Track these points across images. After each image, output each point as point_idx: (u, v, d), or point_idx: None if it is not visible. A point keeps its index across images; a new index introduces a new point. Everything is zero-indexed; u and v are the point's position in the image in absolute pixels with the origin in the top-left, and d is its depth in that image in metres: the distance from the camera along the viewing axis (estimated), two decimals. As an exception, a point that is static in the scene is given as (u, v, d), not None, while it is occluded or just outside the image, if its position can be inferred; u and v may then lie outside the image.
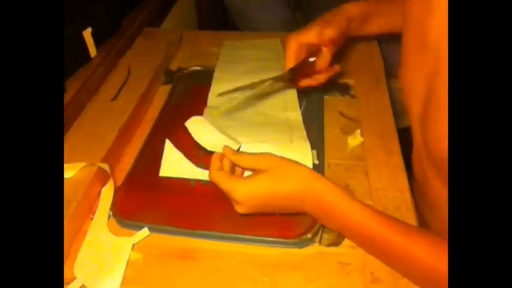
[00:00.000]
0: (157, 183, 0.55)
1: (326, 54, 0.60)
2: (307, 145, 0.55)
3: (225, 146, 0.50)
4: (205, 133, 0.56)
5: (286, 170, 0.45)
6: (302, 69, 0.61)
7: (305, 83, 0.63)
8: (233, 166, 0.50)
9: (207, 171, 0.52)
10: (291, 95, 0.67)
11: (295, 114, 0.64)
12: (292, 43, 0.60)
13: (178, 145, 0.58)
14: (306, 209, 0.46)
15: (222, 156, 0.49)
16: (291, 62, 0.60)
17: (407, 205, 0.51)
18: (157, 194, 0.53)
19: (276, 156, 0.47)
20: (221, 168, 0.48)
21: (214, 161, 0.49)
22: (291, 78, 0.61)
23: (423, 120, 0.46)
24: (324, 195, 0.44)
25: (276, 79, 0.59)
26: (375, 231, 0.43)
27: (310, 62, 0.61)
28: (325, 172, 0.56)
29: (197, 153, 0.58)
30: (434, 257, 0.40)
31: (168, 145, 0.58)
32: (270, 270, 0.45)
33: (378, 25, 0.67)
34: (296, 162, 0.46)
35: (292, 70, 0.60)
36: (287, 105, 0.66)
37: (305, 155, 0.53)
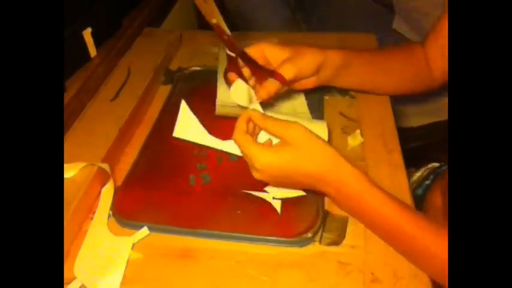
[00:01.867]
0: (157, 183, 0.55)
1: (270, 87, 0.53)
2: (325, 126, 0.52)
3: (253, 109, 0.49)
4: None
5: (312, 149, 0.45)
6: (249, 61, 0.56)
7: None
8: (256, 130, 0.50)
9: (219, 140, 0.54)
10: (299, 100, 0.66)
11: (304, 114, 0.63)
12: (256, 47, 0.56)
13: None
14: (324, 190, 0.47)
15: (248, 119, 0.48)
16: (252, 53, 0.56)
17: (407, 205, 0.51)
18: (157, 193, 0.53)
19: (305, 129, 0.46)
20: (246, 132, 0.48)
21: (241, 123, 0.48)
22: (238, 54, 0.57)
23: None
24: (344, 180, 0.45)
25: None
26: (394, 223, 0.44)
27: (257, 65, 0.56)
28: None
29: (197, 155, 0.59)
30: (439, 248, 0.41)
31: (184, 106, 0.57)
32: (269, 270, 0.45)
33: (356, 77, 0.62)
34: (323, 141, 0.46)
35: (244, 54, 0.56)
36: (296, 110, 0.65)
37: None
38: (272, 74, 0.54)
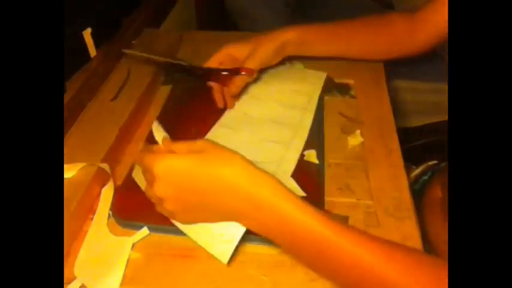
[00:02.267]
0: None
1: (239, 82, 0.64)
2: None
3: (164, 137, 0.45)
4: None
5: (222, 153, 0.40)
6: (215, 74, 0.66)
7: (218, 95, 0.66)
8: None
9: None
10: (303, 129, 0.62)
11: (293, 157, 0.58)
12: (222, 51, 0.66)
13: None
14: (236, 206, 0.39)
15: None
16: (211, 64, 0.66)
17: (407, 205, 0.51)
18: (157, 193, 0.53)
19: (215, 142, 0.41)
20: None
21: (144, 148, 0.46)
22: (202, 75, 0.67)
23: None
24: (260, 189, 0.38)
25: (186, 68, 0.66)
26: (327, 239, 0.37)
27: (223, 74, 0.65)
28: (325, 172, 0.56)
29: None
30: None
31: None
32: (269, 269, 0.45)
33: (322, 49, 0.70)
34: (235, 152, 0.40)
35: (207, 71, 0.66)
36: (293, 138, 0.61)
37: None
38: (239, 71, 0.63)
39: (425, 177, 0.80)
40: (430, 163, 0.82)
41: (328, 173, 0.56)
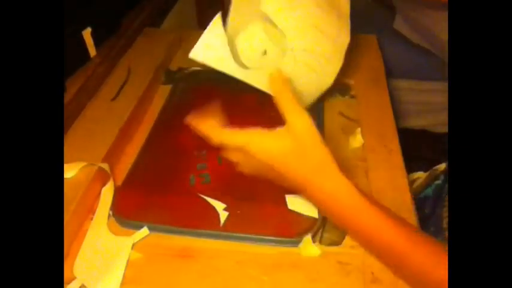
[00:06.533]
0: (158, 183, 0.55)
1: None
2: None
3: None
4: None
5: (311, 151, 0.43)
6: None
7: None
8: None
9: (243, 70, 0.49)
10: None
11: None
12: None
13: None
14: (311, 200, 0.45)
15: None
16: None
17: (407, 205, 0.51)
18: (157, 193, 0.53)
19: (313, 126, 0.44)
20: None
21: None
22: None
23: None
24: (335, 194, 0.43)
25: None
26: (376, 230, 0.41)
27: None
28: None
29: (197, 155, 0.59)
30: (432, 265, 0.39)
31: (217, 21, 0.51)
32: (269, 270, 0.45)
33: None
34: (324, 145, 0.44)
35: None
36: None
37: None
38: None
39: (439, 182, 0.77)
40: (439, 167, 0.80)
41: (328, 173, 0.55)
